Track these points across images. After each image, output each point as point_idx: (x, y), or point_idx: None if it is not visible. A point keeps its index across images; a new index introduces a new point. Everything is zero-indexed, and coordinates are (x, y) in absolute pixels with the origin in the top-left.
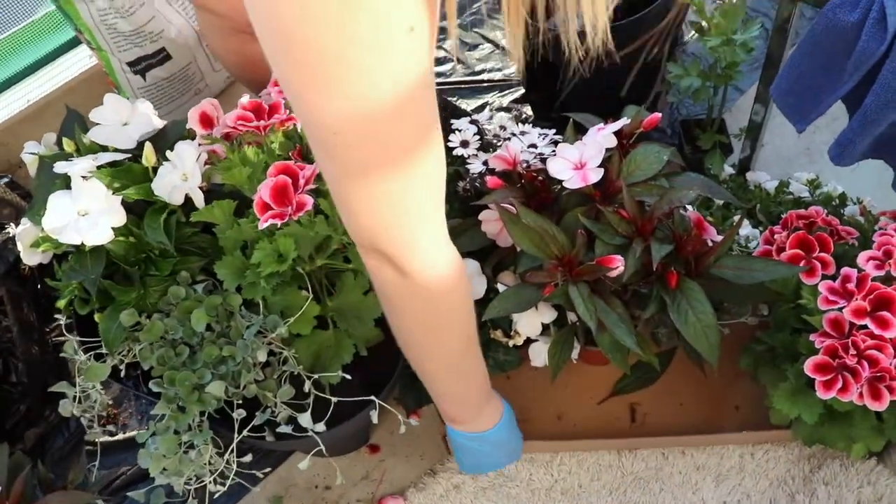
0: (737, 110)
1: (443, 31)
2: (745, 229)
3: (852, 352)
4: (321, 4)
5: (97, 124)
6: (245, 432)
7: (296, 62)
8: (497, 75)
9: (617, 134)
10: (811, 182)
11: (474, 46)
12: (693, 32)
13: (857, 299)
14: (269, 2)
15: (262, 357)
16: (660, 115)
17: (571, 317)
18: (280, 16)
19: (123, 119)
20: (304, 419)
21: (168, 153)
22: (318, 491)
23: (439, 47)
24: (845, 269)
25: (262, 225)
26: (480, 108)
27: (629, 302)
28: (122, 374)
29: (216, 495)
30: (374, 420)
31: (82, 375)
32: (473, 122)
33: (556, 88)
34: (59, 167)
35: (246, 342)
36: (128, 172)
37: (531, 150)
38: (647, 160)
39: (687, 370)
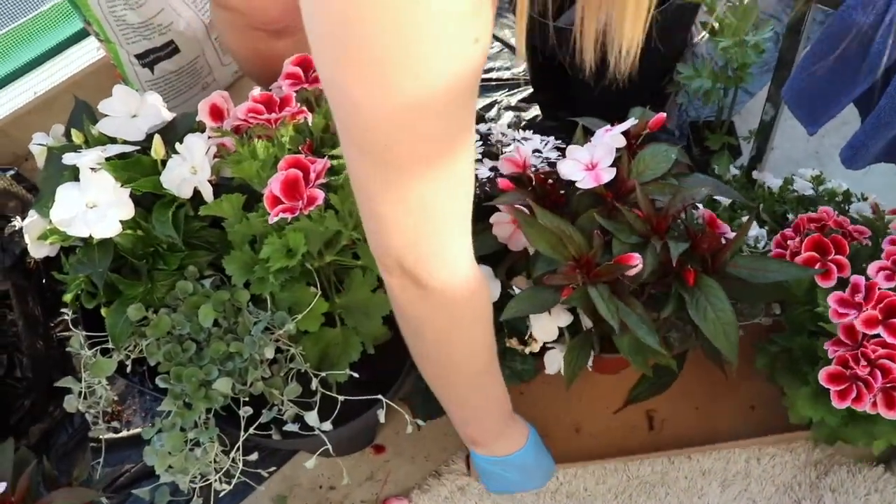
0: (746, 113)
1: None
2: (753, 230)
3: (863, 363)
4: (389, 7)
5: (106, 116)
6: (251, 430)
7: (350, 60)
8: (506, 74)
9: (625, 135)
10: (815, 178)
11: None
12: (704, 33)
13: (867, 309)
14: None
15: (269, 354)
16: (664, 114)
17: (586, 322)
18: (342, 12)
19: (132, 111)
20: (311, 418)
21: (177, 146)
22: (322, 491)
23: None
24: (854, 278)
25: (273, 219)
26: (489, 107)
27: (646, 303)
28: (129, 369)
29: (221, 494)
30: (382, 419)
31: (88, 371)
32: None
33: (565, 89)
34: (68, 158)
35: (253, 338)
36: (136, 165)
37: (536, 154)
38: (656, 159)
39: (700, 372)
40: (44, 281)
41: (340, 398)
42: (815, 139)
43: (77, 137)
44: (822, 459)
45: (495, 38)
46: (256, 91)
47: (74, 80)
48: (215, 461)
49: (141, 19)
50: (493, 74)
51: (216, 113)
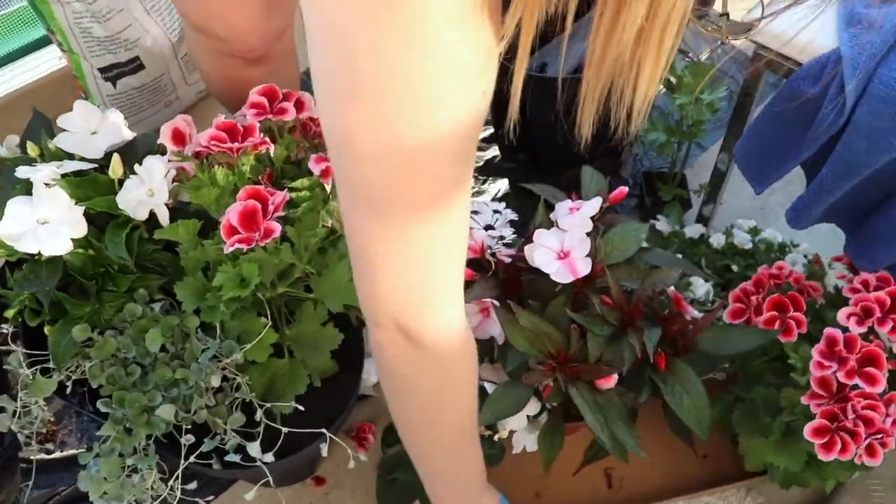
0: (699, 166)
1: None
2: (701, 287)
3: (850, 415)
4: (401, 54)
5: (64, 130)
6: (192, 458)
7: (358, 105)
8: None
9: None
10: (752, 230)
11: None
12: (661, 87)
13: (851, 360)
14: (343, 37)
15: (215, 382)
16: (626, 189)
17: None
18: (353, 56)
19: (92, 128)
20: (254, 448)
21: (136, 167)
22: None
23: None
24: (829, 331)
25: (228, 249)
26: None
27: (618, 383)
28: (69, 390)
29: None
30: (324, 453)
31: (25, 390)
32: None
33: (525, 130)
34: (22, 172)
35: (200, 366)
36: (93, 183)
37: (489, 231)
38: (626, 240)
39: (652, 426)
40: None
41: (284, 430)
42: (761, 196)
43: (33, 150)
44: None
45: None
46: (220, 118)
47: (32, 88)
48: (152, 488)
49: (107, 33)
50: None
51: (178, 137)
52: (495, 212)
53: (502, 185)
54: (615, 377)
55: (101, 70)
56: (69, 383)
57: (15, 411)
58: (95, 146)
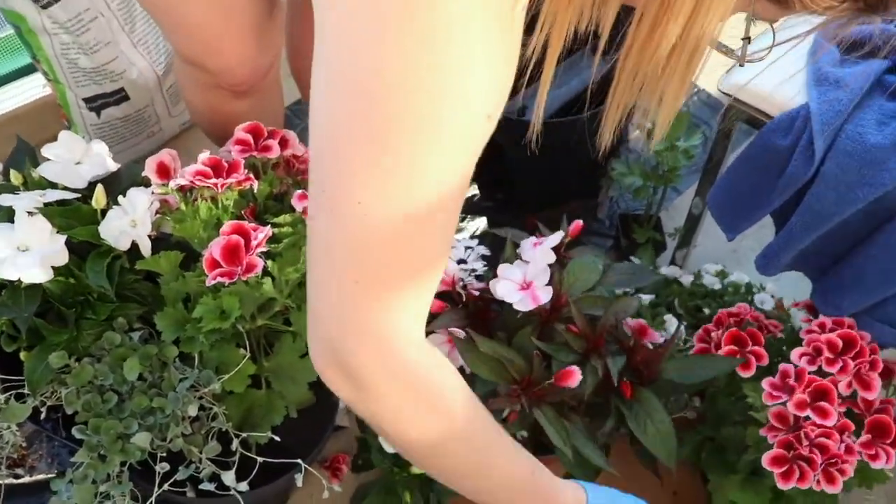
0: (673, 210)
1: None
2: (673, 325)
3: (805, 442)
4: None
5: (47, 159)
6: (166, 486)
7: (363, 162)
8: None
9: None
10: (719, 273)
11: None
12: (637, 131)
13: (798, 393)
14: (346, 78)
15: (192, 411)
16: (580, 222)
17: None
18: (363, 110)
19: (77, 158)
20: (228, 477)
21: (120, 198)
22: None
23: None
24: (783, 366)
25: (210, 282)
26: None
27: (584, 413)
28: (43, 416)
29: None
30: (299, 484)
31: None
32: None
33: (503, 170)
34: (4, 199)
35: (177, 395)
36: (76, 212)
37: (461, 265)
38: (585, 271)
39: (623, 463)
40: None
41: (260, 459)
42: (735, 239)
43: (16, 178)
44: None
45: None
46: (205, 155)
47: (16, 115)
48: None
49: (94, 65)
50: None
51: (163, 171)
52: (467, 247)
53: (481, 223)
54: (577, 374)
55: (86, 100)
56: (43, 409)
57: None
58: (79, 176)
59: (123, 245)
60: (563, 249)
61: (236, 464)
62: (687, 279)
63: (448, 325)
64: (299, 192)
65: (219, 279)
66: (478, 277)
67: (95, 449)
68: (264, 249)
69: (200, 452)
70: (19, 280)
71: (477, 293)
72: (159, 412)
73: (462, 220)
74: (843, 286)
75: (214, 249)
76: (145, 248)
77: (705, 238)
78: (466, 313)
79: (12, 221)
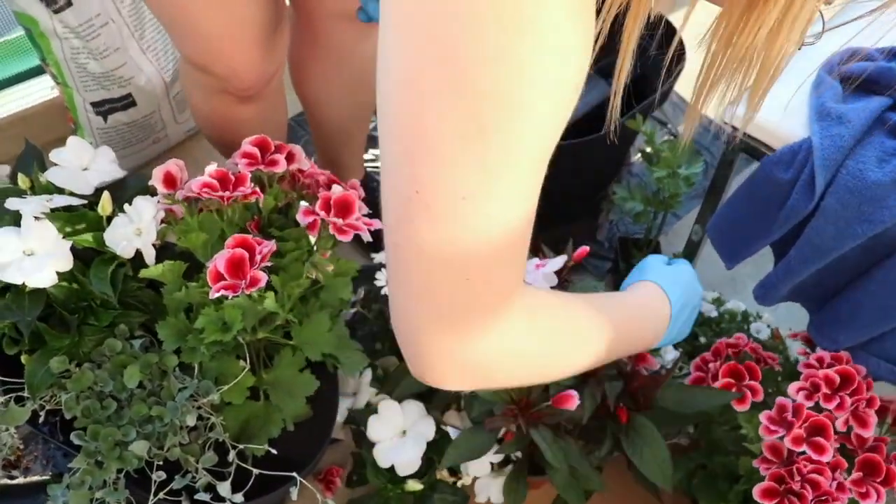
0: (673, 234)
1: None
2: (670, 353)
3: (797, 477)
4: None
5: (55, 165)
6: (161, 495)
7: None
8: None
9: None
10: (715, 300)
11: None
12: (638, 155)
13: (796, 428)
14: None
15: (190, 421)
16: (587, 248)
17: (517, 452)
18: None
19: (84, 164)
20: (224, 488)
21: (126, 206)
22: None
23: None
24: (780, 400)
25: (214, 295)
26: None
27: (580, 436)
28: (41, 419)
29: None
30: (294, 497)
31: None
32: None
33: None
34: (11, 203)
35: (176, 404)
36: (82, 218)
37: None
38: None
39: (616, 485)
40: None
41: (256, 471)
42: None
43: (24, 182)
44: None
45: None
46: (213, 166)
47: (23, 116)
48: None
49: (102, 70)
50: None
51: (169, 181)
52: None
53: None
54: (576, 397)
55: (94, 104)
56: (42, 412)
57: None
58: (86, 182)
59: (128, 253)
60: (566, 273)
61: (232, 475)
62: None
63: None
64: (305, 207)
65: (222, 292)
66: None
67: (93, 455)
68: (268, 264)
69: (197, 462)
70: (24, 284)
71: None
72: (158, 421)
73: None
74: (841, 320)
75: (219, 262)
76: (149, 256)
77: (703, 264)
78: None
79: (19, 225)
